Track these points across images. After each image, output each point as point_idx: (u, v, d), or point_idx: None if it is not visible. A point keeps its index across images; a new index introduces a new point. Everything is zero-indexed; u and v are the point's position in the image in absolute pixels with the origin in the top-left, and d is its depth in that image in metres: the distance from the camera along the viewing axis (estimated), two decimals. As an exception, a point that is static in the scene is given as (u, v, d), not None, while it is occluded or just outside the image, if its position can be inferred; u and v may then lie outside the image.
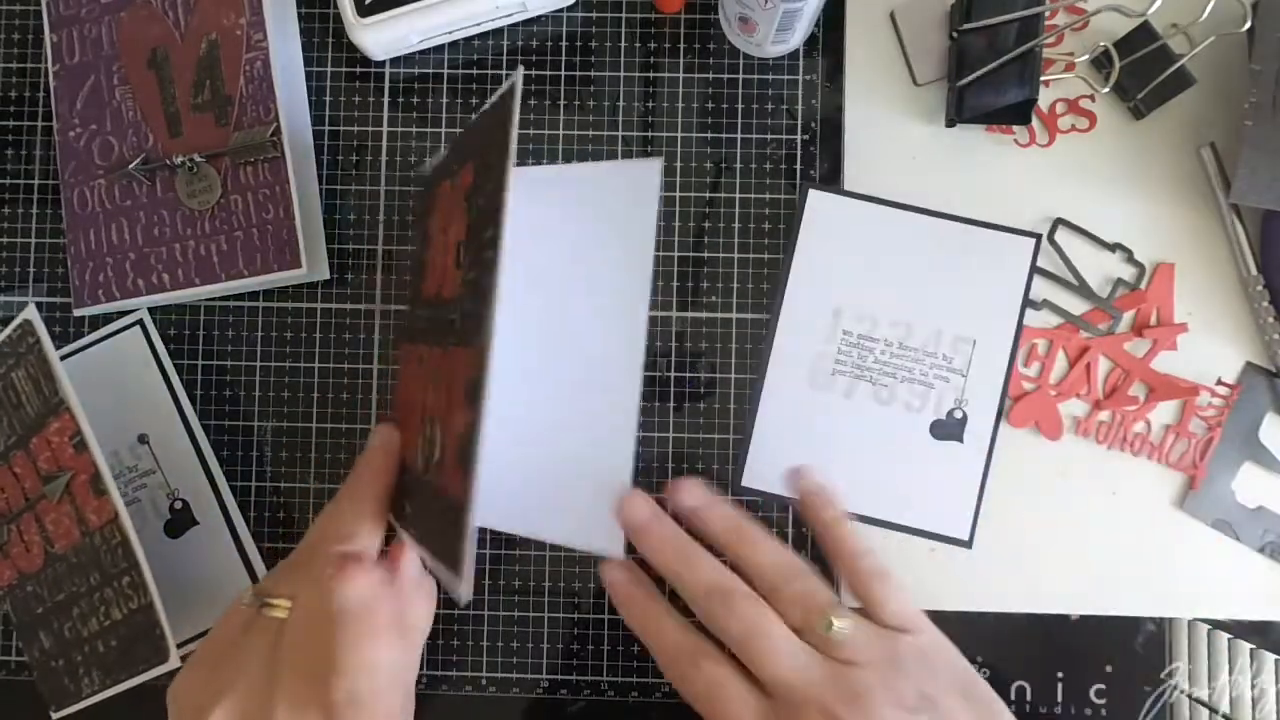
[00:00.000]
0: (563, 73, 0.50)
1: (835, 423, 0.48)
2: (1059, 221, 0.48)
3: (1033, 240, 0.48)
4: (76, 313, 0.49)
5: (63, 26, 0.50)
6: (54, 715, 0.46)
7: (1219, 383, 0.48)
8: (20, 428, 0.47)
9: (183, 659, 0.46)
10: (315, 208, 0.50)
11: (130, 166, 0.49)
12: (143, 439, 0.49)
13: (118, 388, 0.49)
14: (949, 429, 0.47)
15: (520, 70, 0.36)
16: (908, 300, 0.48)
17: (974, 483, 0.47)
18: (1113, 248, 0.48)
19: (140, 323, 0.50)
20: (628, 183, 0.43)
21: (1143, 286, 0.48)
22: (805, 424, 0.48)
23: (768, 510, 0.49)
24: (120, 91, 0.49)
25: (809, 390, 0.48)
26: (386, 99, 0.51)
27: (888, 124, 0.49)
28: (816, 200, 0.48)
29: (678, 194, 0.50)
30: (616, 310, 0.43)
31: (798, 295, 0.48)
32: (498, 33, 0.50)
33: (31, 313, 0.45)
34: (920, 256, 0.48)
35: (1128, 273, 0.48)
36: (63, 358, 0.46)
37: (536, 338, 0.44)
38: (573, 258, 0.44)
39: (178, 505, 0.49)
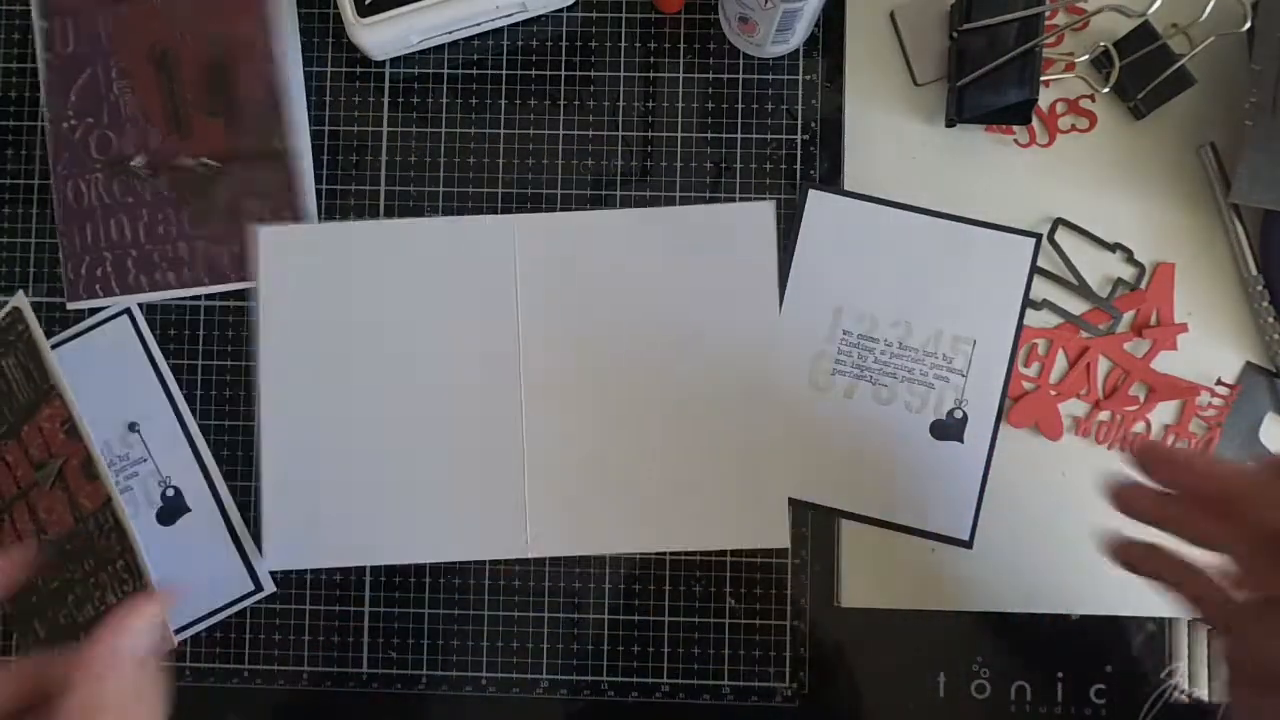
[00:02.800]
0: (563, 73, 0.50)
1: (836, 423, 0.48)
2: (1059, 221, 0.48)
3: (1032, 240, 0.48)
4: (70, 306, 0.49)
5: (54, 14, 0.50)
6: None
7: (1219, 383, 0.48)
8: (11, 415, 0.47)
9: (179, 642, 0.46)
10: (311, 209, 0.50)
11: (132, 163, 0.49)
12: (133, 427, 0.49)
13: (107, 376, 0.49)
14: (949, 429, 0.47)
15: None
16: (908, 300, 0.48)
17: (974, 483, 0.47)
18: (1113, 248, 0.48)
19: (128, 311, 0.50)
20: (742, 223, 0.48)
21: (1143, 286, 0.48)
22: (806, 424, 0.48)
23: (768, 510, 0.48)
24: (120, 86, 0.49)
25: (809, 390, 0.48)
26: (386, 99, 0.51)
27: (888, 124, 0.49)
28: (816, 200, 0.48)
29: (678, 194, 0.50)
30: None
31: (798, 295, 0.48)
32: (498, 33, 0.50)
33: (20, 300, 0.46)
34: (920, 256, 0.48)
35: (1128, 272, 0.48)
36: (52, 347, 0.46)
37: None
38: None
39: (169, 493, 0.49)
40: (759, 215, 0.49)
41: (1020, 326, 0.47)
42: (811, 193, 0.49)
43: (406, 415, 0.48)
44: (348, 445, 0.48)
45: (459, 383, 0.48)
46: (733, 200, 0.49)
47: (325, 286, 0.48)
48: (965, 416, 0.47)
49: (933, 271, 0.48)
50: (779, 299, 0.48)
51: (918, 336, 0.48)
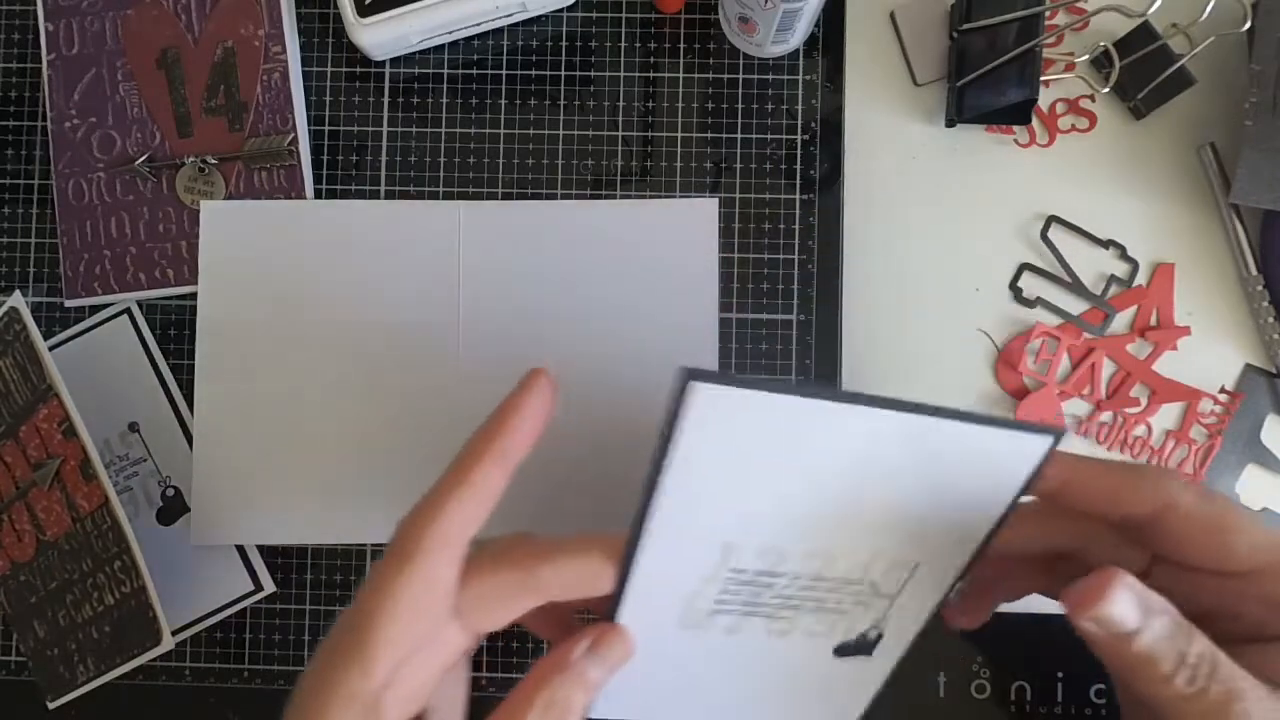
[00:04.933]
0: (563, 73, 0.50)
1: (709, 662, 0.36)
2: (1051, 219, 0.48)
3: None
4: (68, 304, 0.49)
5: (60, 16, 0.50)
6: (50, 705, 0.46)
7: (1221, 390, 0.48)
8: (9, 416, 0.47)
9: (178, 643, 0.46)
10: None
11: (136, 163, 0.49)
12: (133, 427, 0.49)
13: (106, 376, 0.49)
14: (857, 648, 0.37)
15: None
16: (830, 524, 0.32)
17: (871, 687, 0.38)
18: (1105, 244, 0.48)
19: (128, 311, 0.50)
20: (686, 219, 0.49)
21: (1137, 283, 0.48)
22: (668, 663, 0.35)
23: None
24: (125, 88, 0.50)
25: (677, 630, 0.34)
26: (386, 99, 0.51)
27: (888, 124, 0.49)
28: (705, 400, 0.28)
29: (678, 195, 0.50)
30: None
31: (673, 521, 0.30)
32: (498, 33, 0.50)
33: (17, 299, 0.46)
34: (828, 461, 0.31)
35: (1121, 269, 0.48)
36: (51, 348, 0.46)
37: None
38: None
39: (170, 492, 0.49)
40: (702, 211, 0.49)
41: (985, 542, 0.35)
42: (699, 388, 0.27)
43: (339, 395, 0.48)
44: (280, 423, 0.48)
45: (395, 366, 0.48)
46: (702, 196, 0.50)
47: (264, 264, 0.49)
48: (881, 635, 0.36)
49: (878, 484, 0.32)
50: (718, 298, 0.48)
51: (841, 565, 0.33)
